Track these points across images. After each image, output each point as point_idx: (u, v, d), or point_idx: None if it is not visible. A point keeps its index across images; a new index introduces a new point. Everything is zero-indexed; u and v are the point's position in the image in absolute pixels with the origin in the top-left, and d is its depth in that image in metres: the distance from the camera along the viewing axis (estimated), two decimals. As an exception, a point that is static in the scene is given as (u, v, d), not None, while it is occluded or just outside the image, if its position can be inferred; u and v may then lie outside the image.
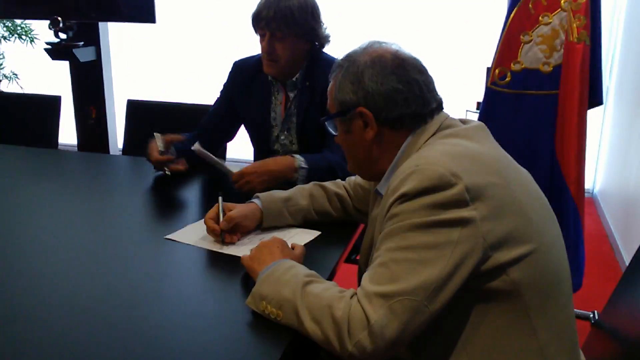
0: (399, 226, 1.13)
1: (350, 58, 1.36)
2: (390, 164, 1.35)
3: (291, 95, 2.25)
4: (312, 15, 2.15)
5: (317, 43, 2.21)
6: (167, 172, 2.11)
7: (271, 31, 2.09)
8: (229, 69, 2.38)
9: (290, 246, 1.46)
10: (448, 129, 1.30)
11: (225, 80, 2.40)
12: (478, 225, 1.10)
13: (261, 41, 2.15)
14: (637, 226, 3.26)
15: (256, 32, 2.16)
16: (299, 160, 2.02)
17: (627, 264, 3.27)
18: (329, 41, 2.24)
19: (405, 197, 1.13)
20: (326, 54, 2.26)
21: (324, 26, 2.22)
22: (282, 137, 2.29)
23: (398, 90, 1.29)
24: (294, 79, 2.21)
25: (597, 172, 4.59)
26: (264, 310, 1.24)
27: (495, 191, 1.14)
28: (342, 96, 1.34)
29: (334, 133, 1.44)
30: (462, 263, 1.09)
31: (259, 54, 2.26)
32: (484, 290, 1.14)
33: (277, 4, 2.07)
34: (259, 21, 2.11)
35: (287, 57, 2.14)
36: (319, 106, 2.18)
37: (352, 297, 1.14)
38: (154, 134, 2.12)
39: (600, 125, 4.50)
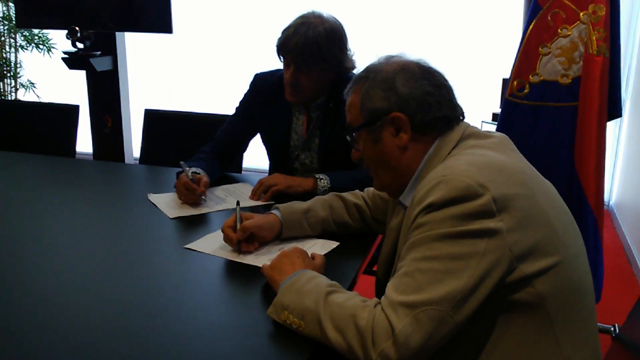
0: (425, 236, 1.12)
1: (373, 69, 1.36)
2: (414, 173, 1.35)
3: (313, 116, 2.23)
4: (339, 47, 2.10)
5: (341, 73, 2.17)
6: (204, 199, 2.04)
7: (296, 64, 2.05)
8: (245, 78, 2.36)
9: (310, 256, 1.46)
10: (470, 137, 1.31)
11: (242, 90, 2.38)
12: (505, 236, 1.10)
13: (285, 70, 2.11)
14: (654, 239, 3.23)
15: (280, 59, 2.12)
16: (320, 177, 2.05)
17: (645, 277, 3.25)
18: (354, 68, 2.20)
19: (432, 207, 1.13)
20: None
21: (351, 53, 2.18)
22: (303, 157, 2.29)
23: (431, 93, 1.31)
24: (318, 101, 2.19)
25: (613, 184, 4.55)
26: (285, 320, 1.23)
27: (521, 202, 1.13)
28: (372, 104, 1.33)
29: (356, 148, 1.42)
30: (488, 274, 1.09)
31: (280, 69, 2.23)
32: (509, 302, 1.14)
33: (304, 34, 2.01)
34: (285, 52, 2.06)
35: (311, 89, 2.11)
36: (342, 127, 2.16)
37: (375, 306, 1.14)
38: (181, 163, 2.08)
39: (617, 137, 4.47)
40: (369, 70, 1.37)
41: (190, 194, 1.99)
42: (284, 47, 2.06)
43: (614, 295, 3.15)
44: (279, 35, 2.10)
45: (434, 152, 1.31)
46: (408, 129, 1.31)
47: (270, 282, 1.39)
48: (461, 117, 1.36)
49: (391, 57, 1.39)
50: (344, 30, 2.13)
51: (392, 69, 1.33)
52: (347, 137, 1.42)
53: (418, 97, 1.30)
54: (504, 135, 1.34)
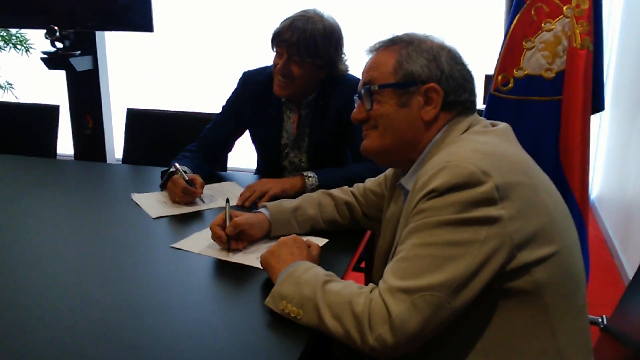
0: (426, 222, 1.12)
1: (415, 37, 1.35)
2: (421, 154, 1.34)
3: (303, 114, 2.22)
4: (335, 47, 2.11)
5: (332, 74, 2.17)
6: (203, 200, 2.01)
7: (290, 54, 2.05)
8: (228, 76, 2.35)
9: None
10: (477, 126, 1.31)
11: (225, 87, 2.36)
12: (506, 224, 1.10)
13: (276, 59, 2.10)
14: (637, 231, 3.27)
15: (273, 48, 2.11)
16: (308, 175, 2.02)
17: (626, 268, 3.29)
18: (347, 71, 2.20)
19: (435, 193, 1.13)
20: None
21: (345, 58, 2.18)
22: (292, 155, 2.27)
23: (466, 79, 1.33)
24: (309, 98, 2.19)
25: (594, 178, 4.60)
26: (283, 309, 1.24)
27: (523, 191, 1.14)
28: (414, 67, 1.31)
29: (364, 107, 1.37)
30: (487, 262, 1.09)
31: (268, 67, 2.23)
32: (506, 289, 1.14)
33: (302, 28, 2.02)
34: (280, 42, 2.06)
35: (301, 81, 2.10)
36: (331, 125, 2.16)
37: (371, 291, 1.14)
38: (175, 164, 2.05)
39: (597, 131, 4.51)
40: (411, 36, 1.36)
41: (186, 196, 1.97)
42: (279, 36, 2.06)
43: (598, 288, 3.19)
44: (275, 26, 2.09)
45: (440, 138, 1.31)
46: (439, 104, 1.31)
47: (266, 267, 1.40)
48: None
49: (427, 35, 1.38)
50: (341, 34, 2.14)
51: (437, 44, 1.34)
52: (361, 90, 1.38)
53: (457, 79, 1.32)
54: (508, 125, 1.34)
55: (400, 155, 1.37)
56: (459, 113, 1.33)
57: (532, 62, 2.40)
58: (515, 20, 2.40)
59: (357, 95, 1.42)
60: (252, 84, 2.27)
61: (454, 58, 1.34)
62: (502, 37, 2.50)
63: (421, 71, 1.31)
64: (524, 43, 2.40)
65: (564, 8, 2.33)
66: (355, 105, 1.42)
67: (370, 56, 1.40)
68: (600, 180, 4.51)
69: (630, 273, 3.22)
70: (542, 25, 2.36)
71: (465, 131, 1.29)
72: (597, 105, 2.44)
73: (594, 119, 4.35)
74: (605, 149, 4.40)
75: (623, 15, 4.13)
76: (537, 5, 2.36)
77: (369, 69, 1.39)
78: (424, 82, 1.30)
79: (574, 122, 2.33)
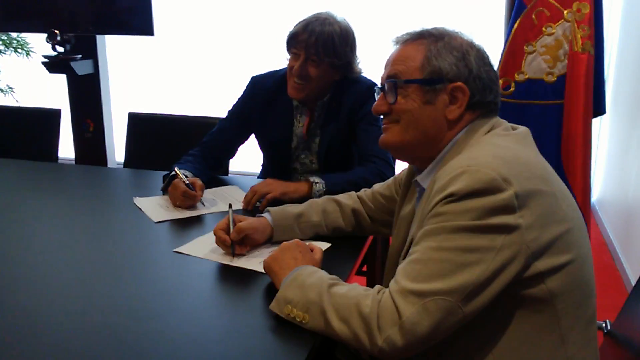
0: (443, 226, 1.11)
1: (445, 33, 1.32)
2: (440, 152, 1.31)
3: (316, 115, 2.21)
4: (351, 47, 2.12)
5: (347, 76, 2.17)
6: (203, 204, 2.02)
7: (307, 54, 2.06)
8: (229, 80, 2.35)
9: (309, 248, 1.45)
10: (498, 128, 1.28)
11: (225, 91, 2.35)
12: (523, 233, 1.09)
13: (292, 61, 2.10)
14: (638, 234, 3.26)
15: (289, 51, 2.12)
16: (315, 181, 2.00)
17: (628, 272, 3.29)
18: (361, 73, 2.21)
19: (453, 197, 1.11)
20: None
21: (358, 60, 2.19)
22: (303, 156, 2.27)
23: (492, 80, 1.30)
24: (323, 99, 2.19)
25: (595, 182, 4.59)
26: (288, 314, 1.23)
27: (542, 199, 1.12)
28: (442, 64, 1.27)
29: (392, 100, 1.32)
30: (502, 269, 1.08)
31: (277, 71, 2.23)
32: (520, 297, 1.13)
33: (320, 29, 2.03)
34: (297, 43, 2.07)
35: (317, 82, 2.10)
36: (343, 125, 2.16)
37: (379, 292, 1.14)
38: (175, 168, 2.04)
39: (597, 135, 4.50)
40: (440, 31, 1.32)
41: (186, 200, 1.97)
42: (296, 37, 2.07)
43: (599, 292, 3.16)
44: (279, 29, 2.12)
45: (462, 138, 1.28)
46: (464, 104, 1.28)
47: (269, 272, 1.39)
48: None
49: (456, 32, 1.34)
50: (355, 36, 2.15)
51: (467, 42, 1.31)
52: (385, 84, 1.34)
53: (484, 79, 1.28)
54: (528, 129, 1.31)
55: (420, 152, 1.34)
56: (482, 114, 1.30)
57: (533, 66, 2.41)
58: (516, 25, 2.42)
59: (379, 87, 1.39)
60: (261, 89, 2.26)
61: (482, 58, 1.30)
62: (503, 41, 2.51)
63: (449, 69, 1.27)
64: (525, 47, 2.41)
65: (565, 12, 2.34)
66: (377, 97, 1.39)
67: (396, 47, 1.36)
68: (600, 183, 4.51)
69: (632, 276, 3.22)
70: (543, 29, 2.38)
71: (487, 133, 1.27)
72: (598, 108, 2.45)
73: (595, 122, 4.37)
74: (605, 152, 4.40)
75: (622, 19, 4.13)
76: (538, 9, 2.37)
77: (395, 61, 1.34)
78: (451, 81, 1.27)
79: (575, 125, 2.34)
